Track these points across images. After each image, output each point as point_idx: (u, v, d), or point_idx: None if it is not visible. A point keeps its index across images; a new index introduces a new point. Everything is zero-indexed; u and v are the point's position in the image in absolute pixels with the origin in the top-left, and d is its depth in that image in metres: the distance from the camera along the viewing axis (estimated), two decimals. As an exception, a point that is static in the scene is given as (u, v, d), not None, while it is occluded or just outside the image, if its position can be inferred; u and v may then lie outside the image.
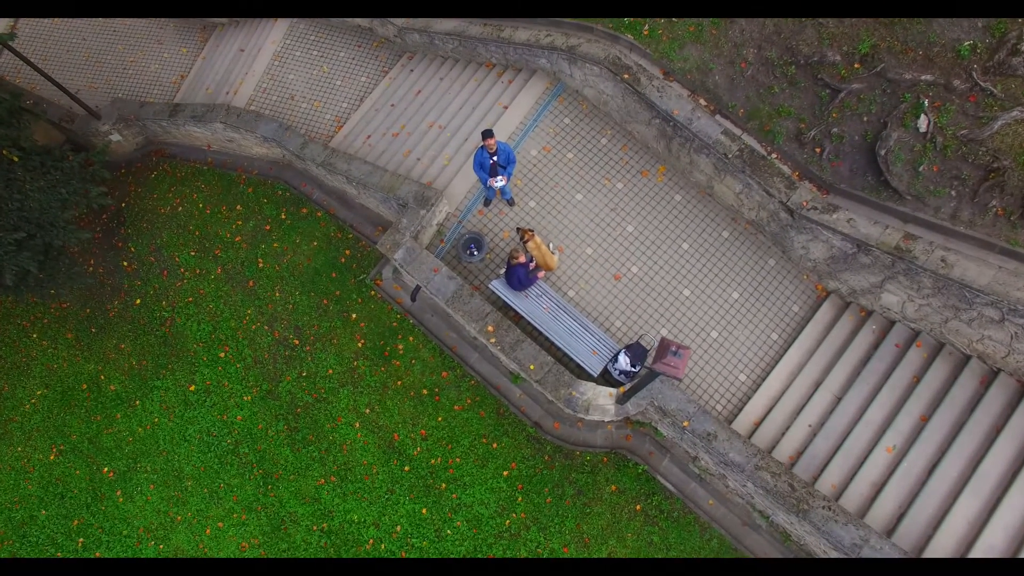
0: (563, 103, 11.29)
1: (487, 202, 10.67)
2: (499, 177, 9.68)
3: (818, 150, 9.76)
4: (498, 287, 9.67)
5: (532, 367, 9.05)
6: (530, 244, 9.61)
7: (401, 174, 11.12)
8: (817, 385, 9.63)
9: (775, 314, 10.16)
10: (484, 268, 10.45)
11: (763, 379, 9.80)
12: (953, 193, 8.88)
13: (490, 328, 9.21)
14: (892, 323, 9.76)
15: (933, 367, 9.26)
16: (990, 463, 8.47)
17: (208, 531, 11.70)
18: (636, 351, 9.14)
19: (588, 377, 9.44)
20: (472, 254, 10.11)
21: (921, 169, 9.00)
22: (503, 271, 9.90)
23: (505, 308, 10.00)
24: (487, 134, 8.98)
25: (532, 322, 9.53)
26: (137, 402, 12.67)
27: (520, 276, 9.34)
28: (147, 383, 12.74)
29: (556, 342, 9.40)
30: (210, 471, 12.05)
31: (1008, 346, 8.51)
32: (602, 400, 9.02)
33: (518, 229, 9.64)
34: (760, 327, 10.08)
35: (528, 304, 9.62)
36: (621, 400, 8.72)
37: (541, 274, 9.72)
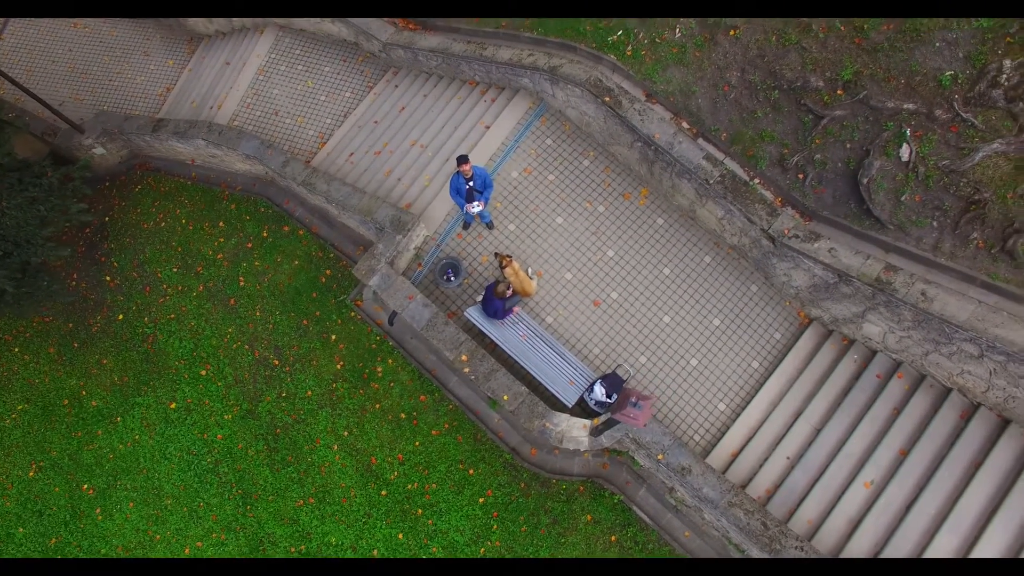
0: (545, 123, 11.15)
1: (466, 225, 10.56)
2: (476, 202, 9.56)
3: (801, 176, 9.62)
4: (474, 315, 9.55)
5: (506, 397, 8.94)
6: (508, 270, 9.49)
7: (380, 196, 11.02)
8: (797, 415, 9.49)
9: (756, 342, 10.02)
10: (462, 293, 10.34)
11: (743, 408, 9.67)
12: (935, 224, 8.73)
13: (464, 357, 9.10)
14: (874, 353, 9.61)
15: (914, 399, 9.11)
16: (968, 500, 8.33)
17: (187, 550, 11.65)
18: (612, 381, 9.02)
19: (564, 407, 9.31)
20: (449, 279, 10.00)
21: (903, 199, 8.85)
22: (480, 298, 9.78)
23: (481, 335, 9.88)
24: (462, 159, 8.85)
25: (507, 351, 9.41)
26: (118, 419, 12.61)
27: (497, 306, 9.22)
28: (129, 399, 12.68)
29: (531, 371, 9.29)
30: (190, 490, 11.99)
31: (988, 381, 8.35)
32: (576, 432, 8.91)
33: (496, 254, 9.52)
34: (741, 355, 9.94)
35: (504, 332, 9.50)
36: (595, 432, 8.61)
37: (516, 309, 9.58)
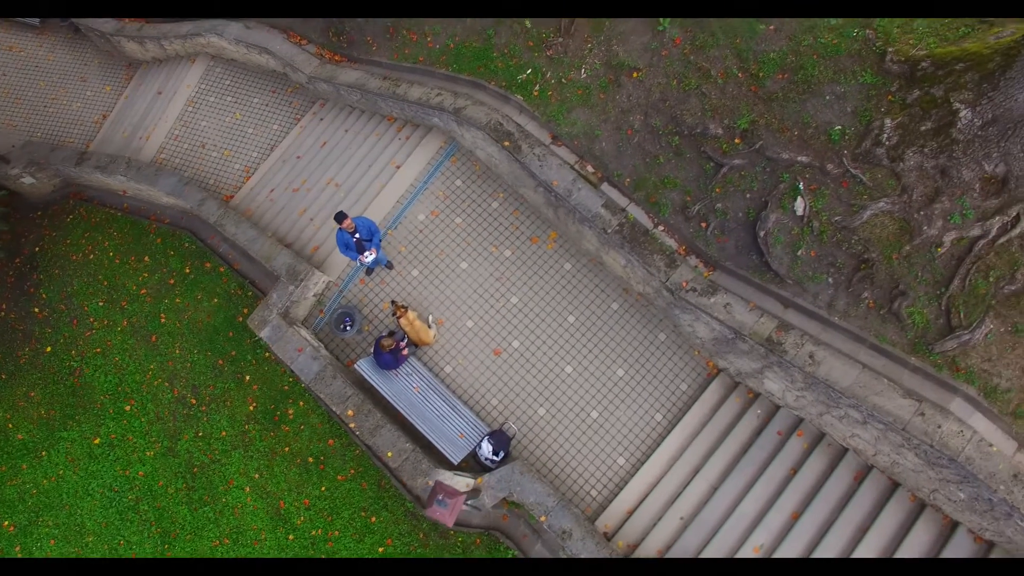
0: (456, 163, 10.95)
1: (369, 271, 10.39)
2: (367, 252, 9.39)
3: (704, 225, 9.34)
4: (364, 367, 9.39)
5: (390, 454, 8.79)
6: (402, 320, 9.32)
7: (292, 237, 10.89)
8: (695, 472, 9.26)
9: (662, 393, 9.77)
10: (363, 341, 10.17)
11: (642, 463, 9.45)
12: (830, 280, 8.43)
13: (350, 412, 8.96)
14: (777, 408, 9.34)
15: (811, 459, 8.85)
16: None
17: (103, 590, 11.61)
18: (499, 439, 8.84)
19: (452, 464, 9.14)
20: (345, 329, 9.85)
21: (799, 253, 8.57)
22: (373, 349, 9.62)
23: (374, 388, 9.72)
24: (340, 217, 8.69)
25: (396, 405, 9.24)
26: (43, 453, 12.61)
27: (386, 359, 9.06)
28: (54, 433, 12.67)
29: (418, 426, 9.12)
30: (111, 527, 11.97)
31: (874, 447, 8.07)
32: (461, 490, 8.72)
33: (392, 303, 9.35)
34: (645, 407, 9.71)
35: (396, 385, 9.34)
36: (470, 495, 8.43)
37: (405, 351, 9.39)
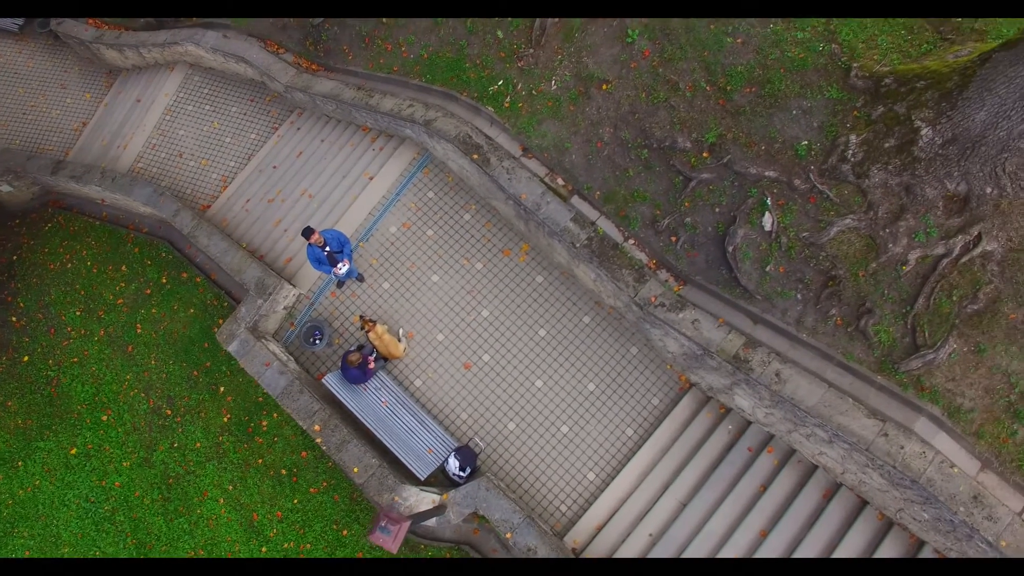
0: (428, 175, 10.88)
1: (340, 284, 10.33)
2: (340, 264, 9.34)
3: (674, 239, 9.26)
4: (332, 382, 9.33)
5: (356, 470, 8.73)
6: (371, 335, 9.27)
7: (260, 251, 10.83)
8: (665, 488, 9.19)
9: (633, 407, 9.71)
10: (333, 354, 10.12)
11: (612, 479, 9.38)
12: (799, 297, 8.35)
13: (316, 428, 8.91)
14: (748, 423, 9.26)
15: (781, 476, 8.78)
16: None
17: (78, 601, 11.58)
18: (465, 454, 8.78)
19: (419, 480, 9.09)
20: (315, 342, 9.79)
21: (768, 269, 8.48)
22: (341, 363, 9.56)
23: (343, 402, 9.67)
24: (308, 232, 8.64)
25: (363, 420, 9.19)
26: (20, 463, 12.59)
27: (354, 374, 9.00)
28: (31, 443, 12.65)
29: (385, 442, 9.06)
30: (87, 538, 11.94)
31: (841, 465, 8.00)
32: (425, 506, 8.68)
33: (360, 318, 9.29)
34: (615, 421, 9.64)
35: (364, 400, 9.28)
36: (431, 513, 8.36)
37: (372, 365, 9.31)
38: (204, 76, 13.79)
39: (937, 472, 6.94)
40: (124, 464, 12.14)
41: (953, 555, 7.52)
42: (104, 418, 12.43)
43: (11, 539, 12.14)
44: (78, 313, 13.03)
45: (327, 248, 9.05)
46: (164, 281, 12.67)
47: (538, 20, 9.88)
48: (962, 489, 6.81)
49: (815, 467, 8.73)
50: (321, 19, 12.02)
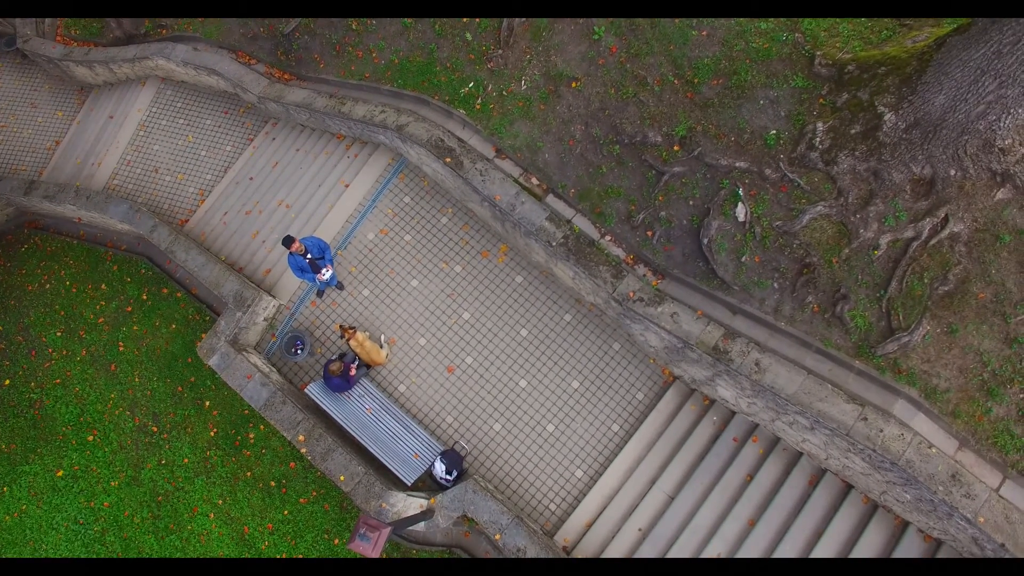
0: (404, 180, 10.87)
1: (320, 293, 10.31)
2: (323, 269, 9.33)
3: (650, 233, 9.29)
4: (315, 391, 9.31)
5: (342, 478, 8.72)
6: (352, 342, 9.25)
7: (239, 263, 10.78)
8: (653, 482, 9.23)
9: (618, 403, 9.73)
10: (316, 363, 10.10)
11: (600, 475, 9.41)
12: (776, 286, 8.40)
13: (301, 438, 8.89)
14: (733, 414, 9.31)
15: (766, 464, 8.83)
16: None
17: (71, 624, 11.50)
18: (451, 458, 8.78)
19: (405, 485, 9.09)
20: (296, 353, 9.77)
21: (744, 259, 8.53)
22: (323, 373, 9.54)
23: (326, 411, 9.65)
24: (288, 241, 8.63)
25: (347, 428, 9.17)
26: (5, 488, 12.48)
27: (336, 382, 8.98)
28: (16, 468, 12.54)
29: (370, 449, 9.05)
30: (77, 560, 11.84)
31: (824, 451, 8.06)
32: (413, 511, 8.67)
33: (340, 327, 9.27)
34: (601, 418, 9.66)
35: (347, 408, 9.27)
36: (419, 518, 8.36)
37: (353, 372, 9.29)
38: (176, 90, 13.71)
39: (916, 453, 7.00)
40: (112, 484, 12.06)
41: (936, 534, 7.59)
42: (90, 438, 12.35)
43: None
44: (59, 334, 12.93)
45: (308, 255, 9.04)
46: (145, 298, 12.60)
47: (505, 21, 9.89)
48: (940, 469, 6.88)
49: (800, 454, 8.79)
50: (292, 28, 11.99)
